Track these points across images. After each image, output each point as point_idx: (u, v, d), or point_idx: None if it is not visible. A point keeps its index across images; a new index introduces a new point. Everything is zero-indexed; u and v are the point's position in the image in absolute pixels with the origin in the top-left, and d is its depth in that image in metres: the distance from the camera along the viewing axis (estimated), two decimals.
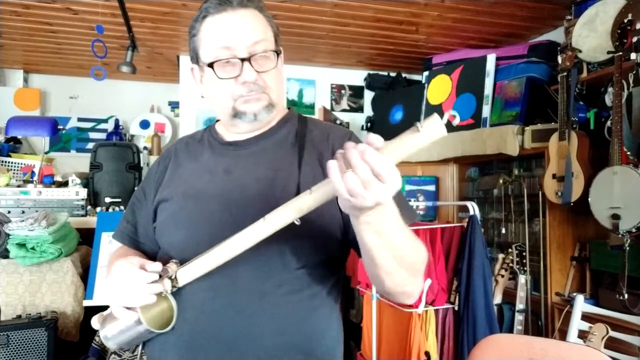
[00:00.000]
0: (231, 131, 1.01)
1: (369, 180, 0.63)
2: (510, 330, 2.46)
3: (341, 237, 0.93)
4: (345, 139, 0.94)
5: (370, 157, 0.62)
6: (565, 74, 2.39)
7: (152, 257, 0.98)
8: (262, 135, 0.99)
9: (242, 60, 0.90)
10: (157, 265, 0.84)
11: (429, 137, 0.64)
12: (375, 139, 0.65)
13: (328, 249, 0.93)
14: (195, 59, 0.97)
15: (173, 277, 0.84)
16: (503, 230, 2.96)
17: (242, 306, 0.86)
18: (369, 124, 3.91)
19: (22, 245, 1.91)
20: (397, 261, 0.78)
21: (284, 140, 0.99)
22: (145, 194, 1.05)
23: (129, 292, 0.83)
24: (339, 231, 0.92)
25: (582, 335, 1.92)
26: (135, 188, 2.65)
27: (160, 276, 0.84)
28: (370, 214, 0.69)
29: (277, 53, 0.95)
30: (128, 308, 0.84)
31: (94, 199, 2.64)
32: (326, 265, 0.93)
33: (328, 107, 4.04)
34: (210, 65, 0.92)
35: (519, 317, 2.38)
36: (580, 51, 2.39)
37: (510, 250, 2.52)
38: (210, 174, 0.97)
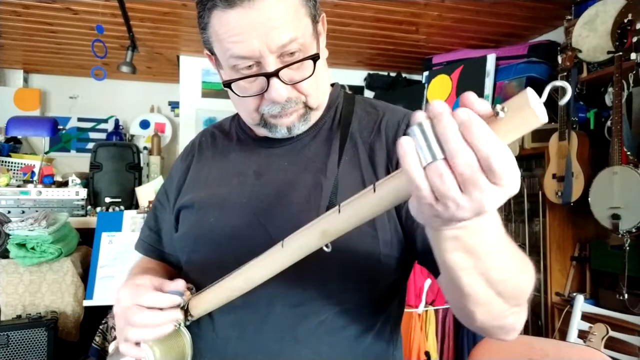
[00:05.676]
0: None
1: (473, 178, 0.38)
2: None
3: (400, 253, 0.72)
4: (403, 124, 0.76)
5: (480, 137, 0.37)
6: (565, 74, 2.39)
7: (181, 271, 0.84)
8: None
9: (268, 76, 0.68)
10: (180, 284, 0.68)
11: (516, 127, 0.38)
12: (478, 101, 0.39)
13: (384, 272, 0.72)
14: (211, 52, 0.76)
15: (185, 306, 0.69)
16: None
17: (273, 352, 0.69)
18: None
19: (22, 245, 1.91)
20: (495, 289, 0.53)
21: (328, 130, 0.80)
22: (168, 197, 0.88)
23: (140, 322, 0.65)
24: (398, 246, 0.72)
25: (582, 335, 1.92)
26: (136, 188, 2.66)
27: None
28: (461, 225, 0.44)
29: (315, 59, 0.70)
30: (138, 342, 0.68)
31: (94, 199, 2.64)
32: (381, 292, 0.74)
33: None
34: (227, 84, 0.72)
35: None
36: (580, 51, 2.39)
37: None
38: (239, 177, 0.79)
